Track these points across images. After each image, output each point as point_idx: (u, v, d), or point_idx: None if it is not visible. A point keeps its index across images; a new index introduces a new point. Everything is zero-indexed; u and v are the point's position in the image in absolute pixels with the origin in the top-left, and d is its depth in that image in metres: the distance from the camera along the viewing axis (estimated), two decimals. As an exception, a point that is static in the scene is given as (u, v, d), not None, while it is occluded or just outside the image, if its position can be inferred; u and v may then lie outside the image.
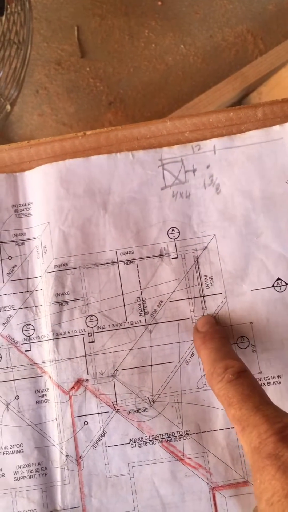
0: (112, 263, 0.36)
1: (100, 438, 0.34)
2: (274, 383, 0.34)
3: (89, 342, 0.35)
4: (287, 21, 1.15)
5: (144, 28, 1.14)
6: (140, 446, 0.34)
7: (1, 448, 0.34)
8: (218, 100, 1.02)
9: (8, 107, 0.84)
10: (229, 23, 1.15)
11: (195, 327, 0.35)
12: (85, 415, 0.34)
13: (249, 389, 0.28)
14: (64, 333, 0.35)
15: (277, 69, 1.01)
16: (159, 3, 1.14)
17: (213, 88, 1.03)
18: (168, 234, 0.36)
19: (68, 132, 0.37)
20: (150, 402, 0.34)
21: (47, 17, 1.13)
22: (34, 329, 0.35)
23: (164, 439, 0.34)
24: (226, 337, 0.33)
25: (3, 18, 0.79)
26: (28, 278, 0.36)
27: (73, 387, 0.35)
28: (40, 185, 0.37)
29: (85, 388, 0.35)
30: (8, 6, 0.80)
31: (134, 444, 0.34)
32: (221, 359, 0.31)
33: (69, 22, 1.14)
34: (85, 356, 0.35)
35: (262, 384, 0.34)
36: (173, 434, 0.34)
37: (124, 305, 0.35)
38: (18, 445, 0.34)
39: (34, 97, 1.10)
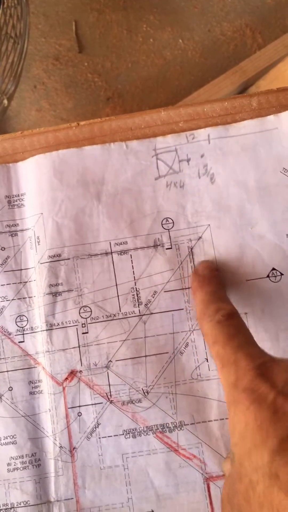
0: (106, 253, 0.36)
1: (94, 429, 0.34)
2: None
3: (83, 333, 0.35)
4: (286, 15, 1.14)
5: (142, 22, 1.13)
6: (134, 437, 0.34)
7: (-5, 440, 0.34)
8: (216, 94, 1.02)
9: (5, 101, 0.83)
10: (227, 18, 1.14)
11: (195, 269, 0.35)
12: (79, 406, 0.34)
13: (235, 330, 0.29)
14: (58, 324, 0.35)
15: (275, 63, 1.01)
16: (157, -3, 1.14)
17: (212, 82, 1.02)
18: (162, 224, 0.36)
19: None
20: (144, 393, 0.34)
21: (45, 12, 1.13)
22: (27, 320, 0.35)
23: (158, 430, 0.34)
24: (222, 283, 0.34)
25: (0, 12, 0.79)
26: (21, 269, 0.36)
27: (66, 378, 0.34)
28: (33, 175, 0.36)
29: (79, 379, 0.34)
30: (5, 0, 0.80)
31: (128, 435, 0.34)
32: (214, 301, 0.31)
33: (67, 17, 1.13)
34: (79, 347, 0.35)
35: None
36: (167, 425, 0.34)
37: (118, 296, 0.35)
38: (11, 436, 0.34)
39: (32, 92, 1.10)
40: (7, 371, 0.35)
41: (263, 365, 0.25)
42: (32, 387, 0.35)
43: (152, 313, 0.35)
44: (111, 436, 0.34)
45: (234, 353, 0.27)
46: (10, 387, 0.35)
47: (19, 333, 0.35)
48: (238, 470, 0.24)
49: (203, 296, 0.32)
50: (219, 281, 0.34)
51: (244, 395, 0.24)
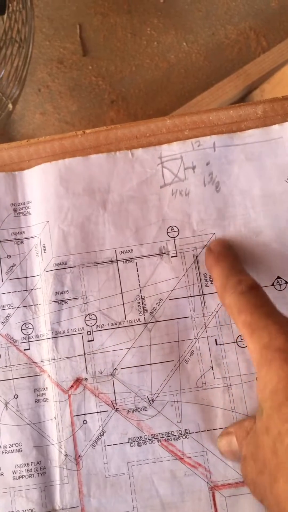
0: (112, 261, 0.36)
1: (99, 437, 0.34)
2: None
3: (88, 341, 0.35)
4: (290, 18, 1.14)
5: (146, 26, 1.14)
6: (139, 445, 0.34)
7: (0, 447, 0.34)
8: (220, 98, 1.02)
9: (10, 105, 0.84)
10: (231, 21, 1.14)
11: (208, 247, 0.35)
12: (84, 414, 0.34)
13: (261, 300, 0.29)
14: (63, 331, 0.35)
15: (280, 66, 1.01)
16: (161, 0, 1.14)
17: (216, 86, 1.02)
18: (167, 232, 0.36)
19: (70, 131, 0.36)
20: (149, 401, 0.34)
21: (49, 16, 1.13)
22: (33, 327, 0.35)
23: (163, 438, 0.34)
24: (238, 257, 0.34)
25: (5, 16, 0.79)
26: (27, 277, 0.36)
27: (72, 386, 0.34)
28: (39, 184, 0.36)
29: (84, 387, 0.34)
30: (10, 5, 0.80)
31: (133, 443, 0.34)
32: (234, 274, 0.32)
33: (71, 20, 1.14)
34: (84, 355, 0.35)
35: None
36: (172, 433, 0.34)
37: (123, 304, 0.35)
38: (17, 444, 0.34)
39: (36, 95, 1.10)
40: (13, 378, 0.35)
41: None
42: (38, 395, 0.35)
43: (157, 321, 0.35)
44: (116, 444, 0.34)
45: (264, 320, 0.28)
46: (16, 394, 0.35)
47: (24, 340, 0.35)
48: (266, 424, 0.25)
49: (221, 271, 0.33)
50: (235, 255, 0.34)
51: (278, 355, 0.25)
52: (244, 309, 0.29)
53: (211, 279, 0.35)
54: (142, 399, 0.34)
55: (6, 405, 0.35)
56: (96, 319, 0.35)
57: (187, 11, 1.14)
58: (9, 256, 0.36)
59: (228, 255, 0.34)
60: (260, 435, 0.25)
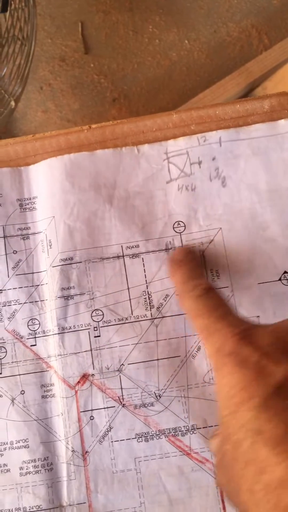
0: (118, 257, 0.36)
1: (106, 433, 0.34)
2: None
3: (95, 337, 0.35)
4: (292, 15, 1.14)
5: (148, 23, 1.13)
6: (146, 440, 0.34)
7: (7, 443, 0.34)
8: (222, 95, 1.01)
9: (13, 103, 0.84)
10: (233, 18, 1.14)
11: (170, 256, 0.35)
12: (91, 410, 0.34)
13: (217, 302, 0.30)
14: (70, 327, 0.35)
15: (282, 63, 1.01)
16: (163, -2, 1.14)
17: (218, 83, 1.02)
18: (173, 228, 0.36)
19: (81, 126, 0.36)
20: (156, 396, 0.34)
21: (51, 13, 1.13)
22: (39, 323, 0.35)
23: (170, 434, 0.34)
24: (198, 262, 0.35)
25: (7, 14, 0.79)
26: (33, 273, 0.36)
27: (78, 381, 0.34)
28: (45, 179, 0.36)
29: (91, 382, 0.34)
30: (12, 2, 0.80)
31: (140, 438, 0.34)
32: (192, 278, 0.32)
33: (73, 18, 1.13)
34: (91, 350, 0.35)
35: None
36: (179, 428, 0.34)
37: (130, 299, 0.35)
38: (23, 440, 0.34)
39: (38, 93, 1.10)
40: (19, 374, 0.35)
41: (247, 331, 0.26)
42: (44, 391, 0.35)
43: (164, 317, 0.35)
44: (123, 440, 0.34)
45: (218, 322, 0.28)
46: (22, 390, 0.35)
47: (31, 336, 0.35)
48: (225, 431, 0.24)
49: (180, 277, 0.33)
50: (194, 261, 0.34)
51: (229, 359, 0.25)
52: (201, 313, 0.29)
53: (217, 274, 0.35)
54: (149, 394, 0.34)
55: (12, 401, 0.34)
56: (103, 314, 0.35)
57: (189, 9, 1.14)
58: (15, 252, 0.36)
59: (187, 262, 0.34)
60: (223, 444, 0.25)
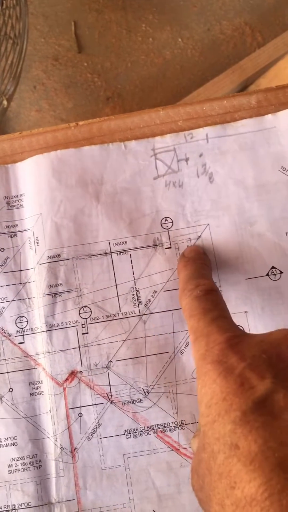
0: (105, 253, 0.36)
1: (95, 429, 0.34)
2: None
3: (83, 334, 0.35)
4: (285, 13, 1.14)
5: (142, 22, 1.13)
6: (135, 437, 0.34)
7: (-4, 441, 0.34)
8: (216, 93, 1.02)
9: (5, 102, 0.83)
10: (227, 16, 1.14)
11: (182, 252, 0.35)
12: (80, 406, 0.34)
13: (212, 305, 0.29)
14: (58, 324, 0.35)
15: (275, 61, 1.01)
16: (156, -4, 1.14)
17: (211, 81, 1.02)
18: (161, 224, 0.36)
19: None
20: (145, 393, 0.34)
21: (44, 12, 1.13)
22: (27, 321, 0.35)
23: (159, 430, 0.34)
24: (207, 264, 0.34)
25: (-1, 12, 0.79)
26: (21, 270, 0.36)
27: (67, 379, 0.34)
28: (32, 176, 0.36)
29: (79, 379, 0.34)
30: (4, 1, 0.80)
31: (129, 435, 0.34)
32: (195, 278, 0.32)
33: (66, 17, 1.13)
34: (79, 347, 0.35)
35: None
36: (168, 424, 0.34)
37: (118, 296, 0.35)
38: (12, 438, 0.34)
39: (32, 92, 1.10)
40: (7, 372, 0.35)
41: (234, 338, 0.25)
42: (33, 388, 0.35)
43: (152, 313, 0.35)
44: (112, 436, 0.34)
45: (208, 326, 0.27)
46: (11, 388, 0.34)
47: (19, 334, 0.35)
48: (203, 440, 0.24)
49: (185, 274, 0.33)
50: (203, 261, 0.34)
51: (212, 367, 0.24)
52: (194, 314, 0.29)
53: None
54: (138, 391, 0.34)
55: (1, 399, 0.34)
56: (91, 311, 0.35)
57: (182, 7, 1.14)
58: (2, 250, 0.36)
59: (196, 261, 0.34)
60: (200, 451, 0.24)
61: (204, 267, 0.34)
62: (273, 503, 0.19)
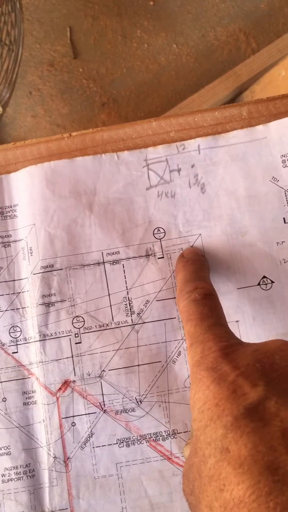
0: (98, 263, 0.36)
1: (88, 439, 0.34)
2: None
3: (76, 343, 0.35)
4: (279, 19, 1.15)
5: (137, 28, 1.14)
6: (128, 446, 0.34)
7: (-11, 450, 0.34)
8: (211, 99, 1.02)
9: (0, 108, 0.84)
10: (221, 22, 1.15)
11: (181, 253, 0.35)
12: (73, 416, 0.34)
13: (209, 310, 0.29)
14: (51, 334, 0.35)
15: (269, 67, 1.01)
16: (151, 3, 1.14)
17: (206, 87, 1.03)
18: (154, 234, 0.36)
19: (62, 133, 0.37)
20: (137, 402, 0.34)
21: (39, 19, 1.13)
22: (21, 330, 0.35)
23: (151, 439, 0.34)
24: (206, 266, 0.34)
25: (-6, 20, 0.79)
26: (14, 280, 0.36)
27: (60, 388, 0.35)
28: (26, 186, 0.37)
29: (72, 389, 0.35)
30: (-1, 8, 0.80)
31: (122, 444, 0.34)
32: (194, 280, 0.32)
33: (61, 23, 1.14)
34: (72, 357, 0.35)
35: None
36: (160, 433, 0.34)
37: (111, 305, 0.35)
38: (5, 447, 0.34)
39: (27, 98, 1.10)
40: (1, 382, 0.35)
41: (229, 347, 0.26)
42: (26, 398, 0.35)
43: (144, 322, 0.35)
44: (105, 445, 0.34)
45: (204, 333, 0.27)
46: (4, 397, 0.35)
47: (12, 343, 0.35)
48: (194, 444, 0.25)
49: (184, 276, 0.33)
50: (202, 263, 0.34)
51: (206, 374, 0.25)
52: (191, 318, 0.29)
53: None
54: (130, 400, 0.34)
55: (-6, 408, 0.35)
56: (84, 321, 0.35)
57: (177, 13, 1.15)
58: (-4, 260, 0.36)
59: (195, 262, 0.34)
60: (192, 456, 0.25)
61: (203, 268, 0.34)
62: (260, 505, 0.20)
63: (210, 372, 0.25)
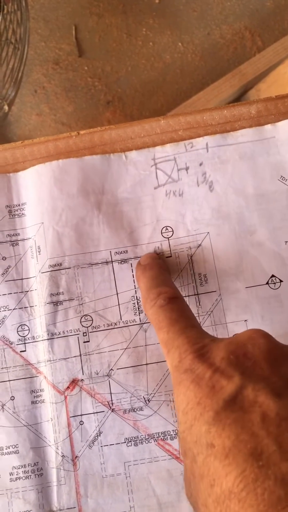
0: (107, 262, 0.36)
1: (96, 437, 0.34)
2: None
3: (84, 342, 0.35)
4: (285, 17, 1.14)
5: (142, 26, 1.14)
6: (136, 445, 0.34)
7: (-3, 449, 0.34)
8: (216, 97, 1.02)
9: (6, 107, 0.84)
10: (227, 21, 1.14)
11: (138, 261, 0.35)
12: (81, 415, 0.34)
13: (177, 314, 0.30)
14: (59, 333, 0.35)
15: (275, 66, 1.01)
16: (157, 1, 1.14)
17: (212, 85, 1.03)
18: (162, 233, 0.36)
19: (67, 132, 0.36)
20: (145, 401, 0.34)
21: (44, 17, 1.13)
22: (29, 329, 0.35)
23: (160, 438, 0.34)
24: (165, 268, 0.35)
25: (0, 17, 0.79)
26: (22, 279, 0.36)
27: (68, 387, 0.35)
28: (34, 185, 0.36)
29: (80, 388, 0.35)
30: (5, 6, 0.80)
31: (130, 443, 0.34)
32: (156, 286, 0.32)
33: (66, 21, 1.14)
34: (80, 356, 0.35)
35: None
36: (168, 432, 0.34)
37: (119, 304, 0.35)
38: (13, 446, 0.34)
39: (33, 97, 1.10)
40: (9, 380, 0.35)
41: (203, 348, 0.26)
42: (34, 397, 0.35)
43: (152, 322, 0.35)
44: (113, 444, 0.34)
45: (177, 338, 0.28)
46: (12, 396, 0.35)
47: (20, 342, 0.35)
48: (183, 446, 0.25)
49: (145, 283, 0.33)
50: (160, 267, 0.34)
51: (185, 376, 0.25)
52: (162, 326, 0.29)
53: (205, 279, 0.35)
54: (138, 399, 0.34)
55: (2, 407, 0.35)
56: (92, 320, 0.35)
57: (182, 11, 1.14)
58: (4, 258, 0.36)
59: (154, 267, 0.34)
60: (184, 458, 0.25)
61: (162, 272, 0.34)
62: (249, 493, 0.20)
63: (188, 374, 0.25)
